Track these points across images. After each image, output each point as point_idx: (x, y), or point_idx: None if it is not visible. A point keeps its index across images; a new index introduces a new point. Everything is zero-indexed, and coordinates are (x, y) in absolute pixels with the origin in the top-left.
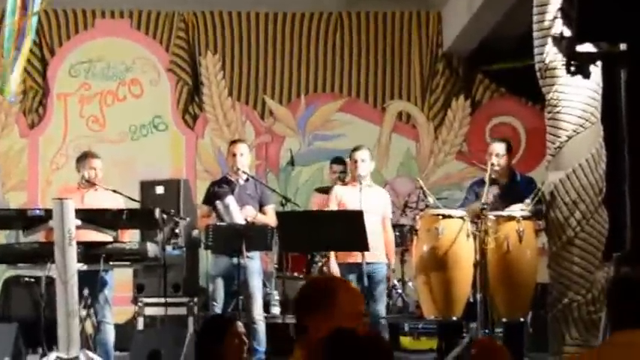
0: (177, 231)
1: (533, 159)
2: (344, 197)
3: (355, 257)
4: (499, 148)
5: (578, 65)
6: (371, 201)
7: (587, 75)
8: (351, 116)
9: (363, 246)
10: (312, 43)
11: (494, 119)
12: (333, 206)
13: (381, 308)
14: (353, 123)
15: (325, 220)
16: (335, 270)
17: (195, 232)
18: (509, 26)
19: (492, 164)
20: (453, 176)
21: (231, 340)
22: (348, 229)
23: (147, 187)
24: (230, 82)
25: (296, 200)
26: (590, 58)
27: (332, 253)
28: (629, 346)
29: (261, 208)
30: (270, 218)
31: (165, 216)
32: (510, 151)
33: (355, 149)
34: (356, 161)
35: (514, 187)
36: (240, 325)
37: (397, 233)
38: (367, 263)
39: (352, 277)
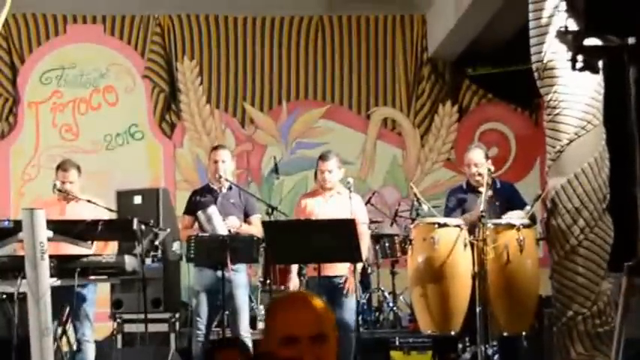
0: (156, 243)
1: (523, 166)
2: (314, 209)
3: (323, 270)
4: (477, 156)
5: (586, 60)
6: (336, 210)
7: (595, 70)
8: (334, 123)
9: (355, 256)
10: (292, 48)
11: (482, 126)
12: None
13: (349, 320)
14: (337, 130)
15: (315, 230)
16: (295, 283)
17: (176, 245)
18: (496, 29)
19: (473, 174)
20: (441, 184)
21: None
22: (339, 239)
23: (124, 196)
24: (208, 89)
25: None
26: (598, 52)
27: (294, 267)
28: None
29: (246, 218)
30: (256, 228)
31: (143, 227)
32: (487, 157)
33: (321, 158)
34: (323, 172)
35: (497, 194)
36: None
37: (387, 243)
38: (328, 276)
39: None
